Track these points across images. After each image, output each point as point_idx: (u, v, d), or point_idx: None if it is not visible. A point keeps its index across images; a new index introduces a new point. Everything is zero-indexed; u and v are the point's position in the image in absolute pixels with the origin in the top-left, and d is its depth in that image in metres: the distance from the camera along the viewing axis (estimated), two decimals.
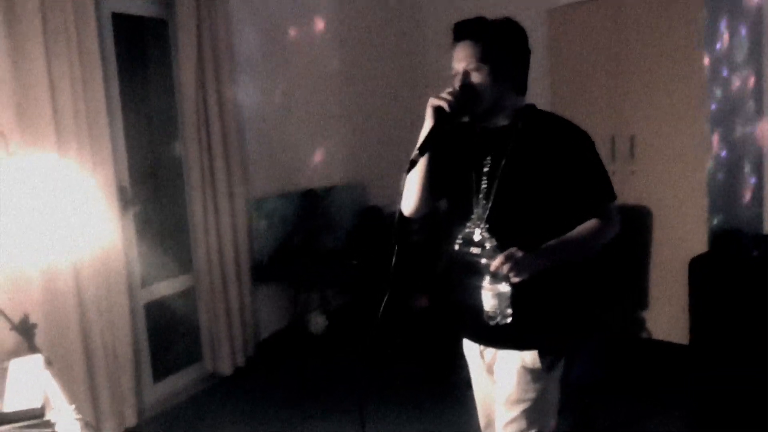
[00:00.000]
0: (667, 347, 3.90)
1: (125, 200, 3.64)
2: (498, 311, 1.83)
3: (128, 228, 3.66)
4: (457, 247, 2.00)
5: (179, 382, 4.05)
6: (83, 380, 3.22)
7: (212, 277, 4.04)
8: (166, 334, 4.10)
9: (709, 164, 3.75)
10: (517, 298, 1.88)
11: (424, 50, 5.61)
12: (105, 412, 3.34)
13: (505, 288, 1.82)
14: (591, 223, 1.94)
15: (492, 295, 1.82)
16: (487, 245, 1.90)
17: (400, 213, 2.04)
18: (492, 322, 1.85)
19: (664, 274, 3.91)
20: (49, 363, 2.32)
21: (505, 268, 1.77)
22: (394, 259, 1.91)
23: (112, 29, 3.56)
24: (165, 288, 4.00)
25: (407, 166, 1.84)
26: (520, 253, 1.77)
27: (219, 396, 4.02)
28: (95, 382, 3.31)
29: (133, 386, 3.53)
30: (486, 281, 1.83)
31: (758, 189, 4.21)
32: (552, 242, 1.88)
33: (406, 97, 5.41)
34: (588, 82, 4.11)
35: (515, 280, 1.80)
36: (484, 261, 1.85)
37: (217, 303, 4.06)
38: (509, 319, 1.85)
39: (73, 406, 1.89)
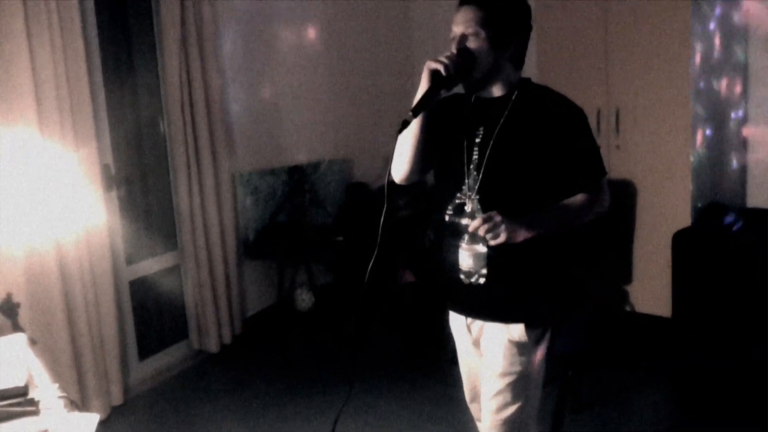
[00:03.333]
0: (650, 320, 3.94)
1: (109, 178, 3.60)
2: (473, 270, 1.88)
3: (112, 205, 3.64)
4: (447, 217, 2.00)
5: (165, 359, 4.05)
6: (68, 359, 3.22)
7: (198, 254, 4.02)
8: (152, 312, 4.09)
9: (694, 138, 3.76)
10: (504, 271, 1.91)
11: (410, 27, 5.57)
12: (91, 391, 3.35)
13: (481, 249, 1.86)
14: (579, 198, 1.95)
15: (468, 255, 1.87)
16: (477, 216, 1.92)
17: (391, 175, 2.03)
18: (466, 281, 1.90)
19: (647, 248, 3.94)
20: (33, 342, 2.32)
21: (482, 230, 1.79)
22: (382, 218, 1.90)
23: (93, 2, 3.50)
24: (150, 266, 3.98)
25: (399, 126, 1.83)
26: (498, 217, 1.80)
27: (206, 373, 4.02)
28: (80, 361, 3.30)
29: (118, 364, 3.52)
30: (464, 241, 1.87)
31: (742, 163, 4.23)
32: (536, 212, 1.89)
33: (392, 73, 5.38)
34: (574, 54, 4.10)
35: (492, 242, 1.82)
36: (464, 222, 1.89)
37: (203, 280, 4.05)
38: (483, 280, 1.89)
39: (57, 384, 1.88)
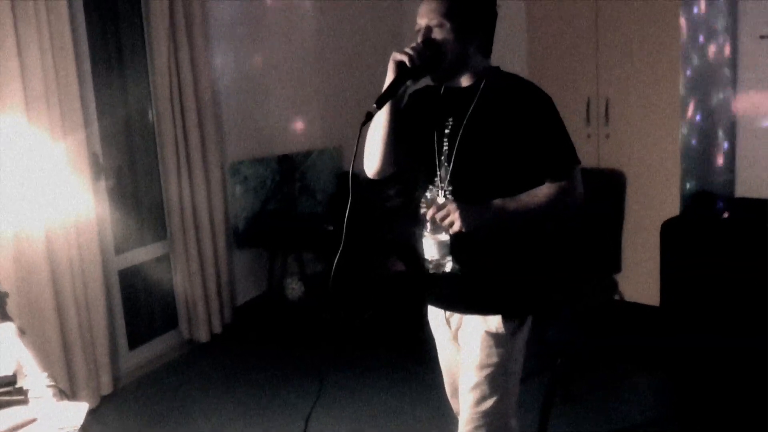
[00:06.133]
0: (638, 309, 3.95)
1: (97, 167, 3.58)
2: (438, 259, 1.91)
3: (101, 194, 3.62)
4: (422, 210, 1.98)
5: (155, 349, 4.04)
6: (57, 349, 3.21)
7: (187, 243, 4.01)
8: (142, 302, 4.08)
9: (683, 128, 3.78)
10: (481, 263, 1.92)
11: (401, 15, 5.55)
12: (80, 381, 3.34)
13: (443, 237, 1.87)
14: (546, 187, 1.90)
15: (432, 244, 1.89)
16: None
17: (353, 165, 1.94)
18: (432, 270, 1.92)
19: (636, 237, 3.96)
20: (22, 332, 2.31)
21: (439, 216, 1.80)
22: (347, 212, 1.91)
23: None
24: (140, 255, 3.97)
25: (363, 119, 1.81)
26: (452, 205, 1.80)
27: (195, 363, 4.02)
28: (70, 350, 3.29)
29: (108, 354, 3.52)
30: (427, 230, 1.88)
31: (731, 153, 4.25)
32: (499, 200, 1.87)
33: (383, 63, 5.34)
34: (564, 44, 4.09)
35: (452, 230, 1.82)
36: (423, 210, 1.89)
37: (192, 269, 4.04)
38: (447, 268, 1.91)
39: (46, 373, 1.88)
